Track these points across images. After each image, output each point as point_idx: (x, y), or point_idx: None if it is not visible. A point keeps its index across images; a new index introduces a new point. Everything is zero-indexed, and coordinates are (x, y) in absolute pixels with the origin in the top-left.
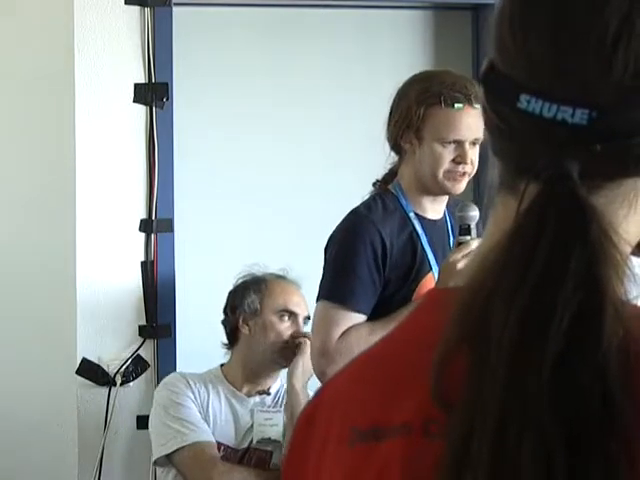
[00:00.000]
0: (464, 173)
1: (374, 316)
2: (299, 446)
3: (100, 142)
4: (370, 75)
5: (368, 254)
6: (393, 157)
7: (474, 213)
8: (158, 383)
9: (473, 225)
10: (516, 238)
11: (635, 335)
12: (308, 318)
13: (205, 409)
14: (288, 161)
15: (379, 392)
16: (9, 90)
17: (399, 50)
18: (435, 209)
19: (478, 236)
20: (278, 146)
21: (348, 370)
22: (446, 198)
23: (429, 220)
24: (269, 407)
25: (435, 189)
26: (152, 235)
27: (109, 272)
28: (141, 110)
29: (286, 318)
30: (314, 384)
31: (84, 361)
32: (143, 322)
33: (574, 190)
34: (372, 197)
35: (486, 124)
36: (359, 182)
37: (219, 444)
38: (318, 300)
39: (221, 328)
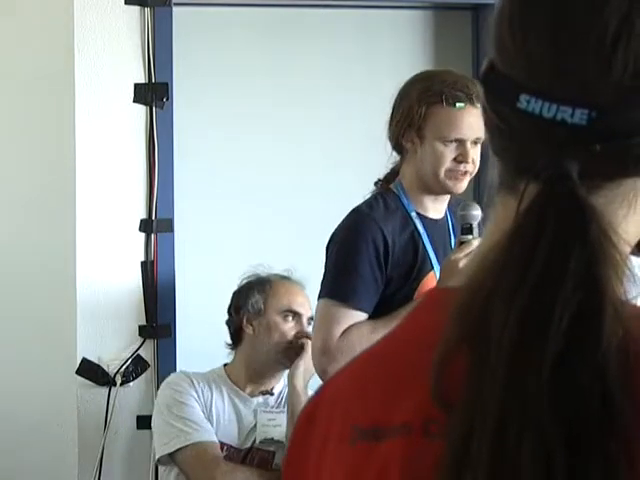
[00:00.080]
0: (465, 172)
1: (375, 314)
2: (299, 444)
3: (100, 142)
4: (370, 75)
5: (370, 252)
6: (395, 157)
7: (476, 212)
8: (158, 383)
9: (475, 224)
10: (516, 238)
11: (634, 335)
12: (312, 319)
13: (208, 408)
14: (288, 161)
15: (380, 391)
16: (9, 90)
17: (399, 50)
18: (436, 208)
19: (480, 235)
20: (278, 146)
21: (349, 368)
22: (447, 197)
23: (430, 219)
24: (272, 407)
25: (436, 188)
26: (152, 235)
27: (109, 272)
28: (141, 110)
29: (290, 318)
30: (315, 384)
31: (84, 361)
32: (143, 322)
33: (574, 190)
34: (374, 196)
35: (486, 124)
36: (359, 182)
37: (222, 444)
38: (320, 298)
39: (221, 328)
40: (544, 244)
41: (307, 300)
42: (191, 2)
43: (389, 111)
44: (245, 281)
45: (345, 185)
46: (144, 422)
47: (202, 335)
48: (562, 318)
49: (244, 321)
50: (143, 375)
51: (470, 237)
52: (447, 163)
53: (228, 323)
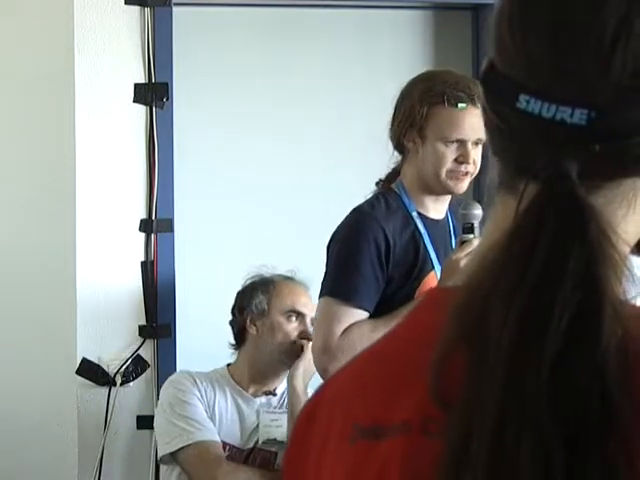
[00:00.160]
0: (466, 173)
1: (376, 314)
2: (299, 443)
3: (100, 142)
4: (370, 75)
5: (371, 251)
6: (396, 156)
7: (477, 212)
8: (158, 383)
9: (476, 224)
10: (515, 238)
11: (634, 335)
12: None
13: (211, 408)
14: (288, 161)
15: (381, 390)
16: (9, 90)
17: (399, 50)
18: (437, 209)
19: (481, 235)
20: (278, 146)
21: (350, 367)
22: (448, 198)
23: (431, 219)
24: (275, 408)
25: (437, 188)
26: (152, 235)
27: (109, 272)
28: (141, 110)
29: (293, 319)
30: (315, 383)
31: (84, 361)
32: (143, 322)
33: (573, 190)
34: (375, 196)
35: (486, 124)
36: (359, 182)
37: (224, 444)
38: (321, 297)
39: (222, 328)
40: (543, 244)
41: (311, 300)
42: (191, 2)
43: (390, 111)
44: (249, 282)
45: (345, 185)
46: (144, 422)
47: (202, 335)
48: (561, 318)
49: (248, 321)
50: (143, 375)
51: (471, 236)
52: (448, 163)
53: (232, 323)
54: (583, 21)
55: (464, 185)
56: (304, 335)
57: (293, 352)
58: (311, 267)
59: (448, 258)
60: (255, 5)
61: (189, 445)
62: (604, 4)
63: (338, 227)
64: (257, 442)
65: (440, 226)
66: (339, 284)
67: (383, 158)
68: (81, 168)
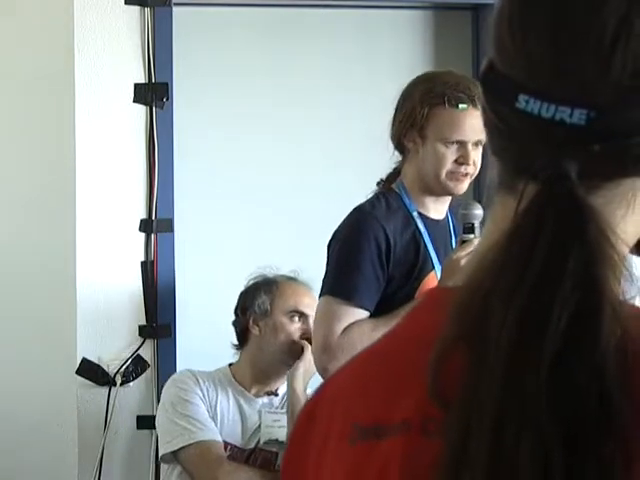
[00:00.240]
0: (466, 174)
1: (377, 313)
2: (299, 442)
3: (100, 142)
4: (370, 75)
5: (372, 250)
6: (397, 156)
7: (478, 212)
8: (158, 383)
9: (477, 224)
10: (514, 238)
11: (633, 334)
12: None
13: (213, 408)
14: (288, 161)
15: (381, 389)
16: (9, 90)
17: (399, 50)
18: (438, 209)
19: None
20: (278, 146)
21: (350, 367)
22: (449, 199)
23: (432, 220)
24: (277, 408)
25: (437, 189)
26: (152, 235)
27: (109, 272)
28: (141, 110)
29: (296, 319)
30: (316, 383)
31: (84, 361)
32: (143, 322)
33: (572, 190)
34: (376, 195)
35: (485, 124)
36: (359, 182)
37: (226, 443)
38: (321, 295)
39: (222, 328)
40: (543, 244)
41: (314, 301)
42: (191, 2)
43: (390, 111)
44: (252, 282)
45: (345, 185)
46: (144, 422)
47: (202, 335)
48: (560, 318)
49: (250, 322)
50: (143, 375)
51: (472, 236)
52: (448, 164)
53: (234, 324)
54: (583, 21)
55: (464, 186)
56: (305, 335)
57: (294, 352)
58: (311, 267)
59: (448, 258)
60: (255, 5)
61: (190, 444)
62: (604, 4)
63: (339, 226)
64: (258, 442)
65: (440, 226)
66: (340, 283)
67: (383, 158)
68: (81, 168)
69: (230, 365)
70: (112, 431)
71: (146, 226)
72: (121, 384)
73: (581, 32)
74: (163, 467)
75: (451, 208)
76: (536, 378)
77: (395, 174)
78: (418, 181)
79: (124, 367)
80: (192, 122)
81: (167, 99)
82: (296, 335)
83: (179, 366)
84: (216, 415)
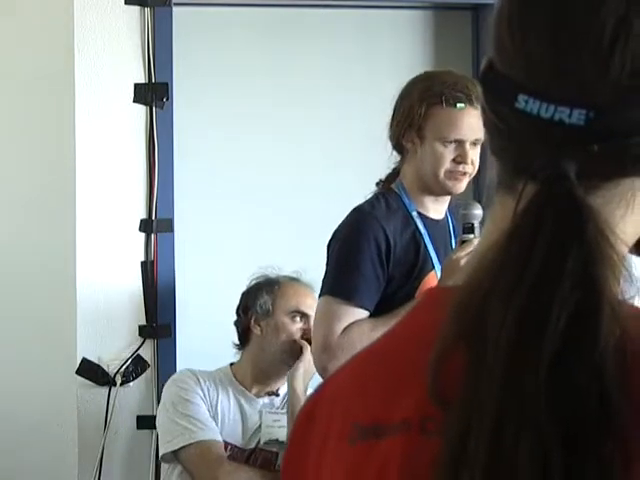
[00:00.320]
0: (465, 173)
1: (377, 313)
2: (299, 442)
3: (100, 142)
4: (370, 75)
5: (372, 250)
6: (396, 157)
7: (478, 212)
8: (158, 383)
9: (477, 224)
10: (514, 238)
11: (632, 334)
12: None
13: (214, 407)
14: (288, 161)
15: (380, 389)
16: (9, 90)
17: (399, 50)
18: (437, 209)
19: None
20: (278, 146)
21: (349, 366)
22: (448, 198)
23: (431, 219)
24: (277, 408)
25: (436, 188)
26: (152, 235)
27: (109, 272)
28: (141, 110)
29: (298, 319)
30: (316, 382)
31: (84, 361)
32: (143, 322)
33: (571, 190)
34: (375, 196)
35: (485, 124)
36: (359, 182)
37: (226, 443)
38: (321, 296)
39: (222, 328)
40: (542, 244)
41: (315, 301)
42: (191, 2)
43: (389, 111)
44: (254, 282)
45: (345, 185)
46: (144, 422)
47: (202, 335)
48: (559, 318)
49: (252, 322)
50: (143, 375)
51: (471, 236)
52: (446, 164)
53: (236, 324)
54: (582, 21)
55: (462, 185)
56: (305, 335)
57: (296, 352)
58: (312, 267)
59: (448, 258)
60: (255, 5)
61: (191, 444)
62: (603, 4)
63: (338, 227)
64: (259, 442)
65: (440, 226)
66: (339, 283)
67: (383, 158)
68: (81, 168)
69: (231, 365)
70: (112, 431)
71: (146, 226)
72: (121, 384)
73: (580, 32)
74: (163, 467)
75: (450, 208)
76: (535, 378)
77: (394, 174)
78: (417, 181)
79: (124, 367)
80: (192, 122)
81: (167, 99)
82: (297, 335)
83: (179, 366)
84: (217, 415)
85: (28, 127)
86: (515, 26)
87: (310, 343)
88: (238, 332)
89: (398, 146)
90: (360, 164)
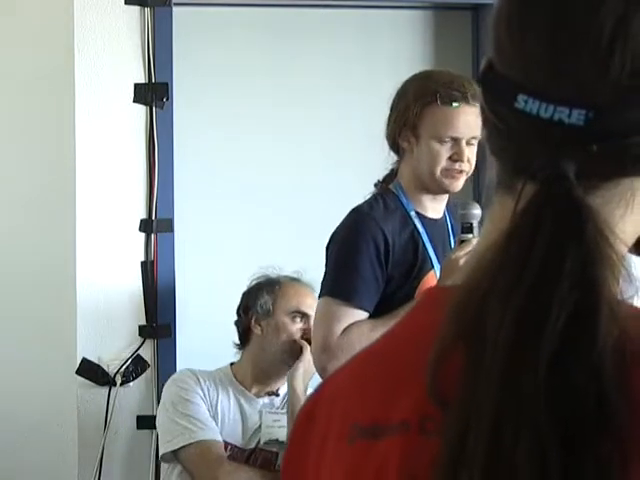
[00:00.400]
0: (461, 171)
1: (376, 313)
2: (299, 442)
3: (100, 142)
4: (370, 75)
5: (370, 251)
6: (393, 157)
7: (476, 211)
8: (158, 383)
9: (475, 223)
10: (513, 238)
11: (630, 335)
12: None
13: (214, 407)
14: (288, 161)
15: (379, 389)
16: (9, 90)
17: (399, 50)
18: (435, 208)
19: (480, 234)
20: (278, 146)
21: (348, 367)
22: (446, 197)
23: (430, 219)
24: (277, 408)
25: (433, 187)
26: (152, 235)
27: (109, 272)
28: (141, 110)
29: (298, 319)
30: (315, 383)
31: (84, 361)
32: (143, 322)
33: (570, 190)
34: (373, 196)
35: (484, 124)
36: (359, 182)
37: (226, 443)
38: (320, 297)
39: (222, 328)
40: (541, 244)
41: (316, 302)
42: (191, 2)
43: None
44: (255, 282)
45: (345, 185)
46: (144, 422)
47: (202, 335)
48: (558, 318)
49: (252, 321)
50: (143, 375)
51: (470, 236)
52: (443, 162)
53: (237, 323)
54: (581, 21)
55: (459, 183)
56: (305, 335)
57: (296, 352)
58: (312, 267)
59: (447, 257)
60: (255, 5)
61: (191, 444)
62: (602, 5)
63: (337, 228)
64: (259, 442)
65: (438, 225)
66: (339, 284)
67: (383, 158)
68: (81, 168)
69: (231, 365)
70: (112, 431)
71: (146, 226)
72: (121, 384)
73: (579, 32)
74: (163, 466)
75: (449, 207)
76: (534, 378)
77: (392, 175)
78: (414, 180)
79: (124, 367)
80: (192, 122)
81: (167, 99)
82: (297, 335)
83: (179, 366)
84: (217, 415)
85: (28, 127)
86: (514, 26)
87: (310, 343)
88: (238, 332)
89: (395, 146)
90: (360, 164)
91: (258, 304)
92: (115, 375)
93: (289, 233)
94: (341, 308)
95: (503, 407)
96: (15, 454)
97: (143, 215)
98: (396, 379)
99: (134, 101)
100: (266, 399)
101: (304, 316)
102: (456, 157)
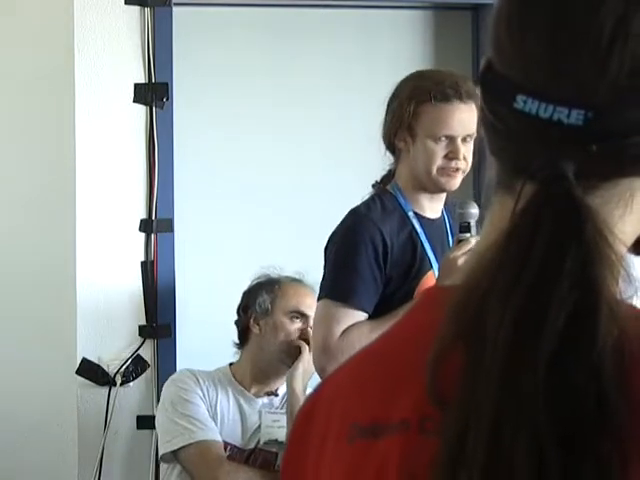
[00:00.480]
0: (457, 169)
1: (375, 314)
2: (298, 442)
3: (100, 142)
4: (370, 75)
5: (369, 252)
6: (390, 159)
7: (474, 210)
8: (158, 383)
9: (473, 222)
10: (512, 238)
11: (630, 335)
12: None
13: (213, 407)
14: (288, 161)
15: (378, 389)
16: (9, 90)
17: (399, 50)
18: (433, 208)
19: (478, 234)
20: (278, 146)
21: (348, 366)
22: (444, 197)
23: (428, 219)
24: (277, 408)
25: (430, 186)
26: (152, 235)
27: (109, 272)
28: (141, 110)
29: (297, 319)
30: (314, 384)
31: (84, 361)
32: (143, 322)
33: (570, 190)
34: (371, 197)
35: (484, 124)
36: (359, 182)
37: (226, 443)
38: (319, 299)
39: (221, 328)
40: (540, 244)
41: (315, 302)
42: (191, 2)
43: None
44: (255, 282)
45: (345, 185)
46: (144, 422)
47: (202, 335)
48: (557, 318)
49: (251, 320)
50: (143, 375)
51: (468, 235)
52: (438, 160)
53: (237, 323)
54: (581, 21)
55: (456, 182)
56: (303, 335)
57: (293, 352)
58: (312, 267)
59: (445, 257)
60: (255, 5)
61: (190, 444)
62: (602, 5)
63: (335, 230)
64: (258, 442)
65: (436, 225)
66: (338, 286)
67: (383, 158)
68: (81, 168)
69: (230, 365)
70: (112, 431)
71: (146, 226)
72: (121, 384)
73: (579, 32)
74: (163, 467)
75: (447, 206)
76: (533, 378)
77: (389, 176)
78: (411, 180)
79: (124, 367)
80: (192, 122)
81: (167, 99)
82: (295, 335)
83: (179, 366)
84: (216, 415)
85: (28, 127)
86: (514, 26)
87: (308, 343)
88: (238, 331)
89: (391, 146)
90: (360, 164)
91: (257, 303)
92: (115, 375)
93: (289, 233)
94: (340, 310)
95: (502, 407)
96: (15, 454)
97: (143, 215)
98: (395, 379)
99: (134, 101)
100: (265, 399)
101: (303, 316)
102: (452, 155)
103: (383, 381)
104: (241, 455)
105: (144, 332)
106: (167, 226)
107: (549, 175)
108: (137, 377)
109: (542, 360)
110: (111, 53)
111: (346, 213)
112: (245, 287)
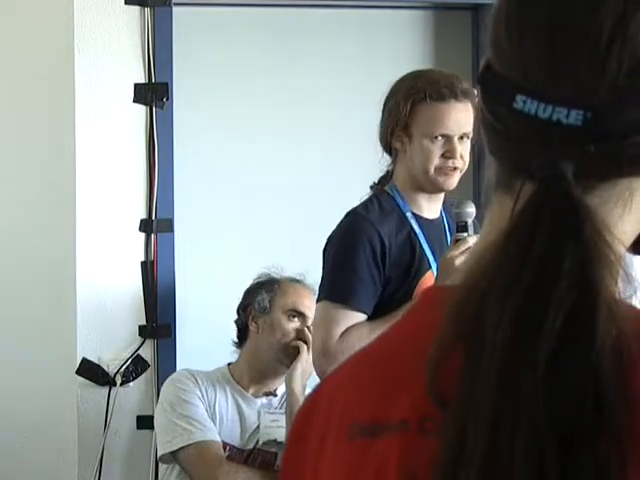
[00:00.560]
0: (454, 168)
1: (374, 315)
2: (297, 442)
3: (100, 142)
4: (370, 75)
5: (367, 253)
6: (388, 160)
7: (471, 210)
8: (158, 383)
9: (470, 222)
10: (511, 238)
11: (628, 335)
12: None
13: (212, 408)
14: (288, 161)
15: (377, 390)
16: (9, 90)
17: (399, 50)
18: (431, 208)
19: (475, 233)
20: (278, 146)
21: (346, 367)
22: (442, 197)
23: (426, 219)
24: (276, 409)
25: (428, 185)
26: (152, 235)
27: (109, 272)
28: (141, 110)
29: (295, 319)
30: (313, 384)
31: (84, 361)
32: (143, 322)
33: (568, 190)
34: (369, 198)
35: (483, 124)
36: (359, 182)
37: (225, 444)
38: (319, 301)
39: (221, 328)
40: (539, 244)
41: (314, 303)
42: (191, 2)
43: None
44: (256, 281)
45: (345, 185)
46: (144, 422)
47: (202, 335)
48: (556, 318)
49: (250, 319)
50: (143, 375)
51: (465, 234)
52: (435, 159)
53: (236, 322)
54: (580, 22)
55: (454, 181)
56: (300, 336)
57: (290, 351)
58: (312, 267)
59: (443, 257)
60: (255, 5)
61: (190, 445)
62: (601, 5)
63: (333, 231)
64: (257, 443)
65: (435, 225)
66: (337, 288)
67: (383, 158)
68: (81, 168)
69: (229, 365)
70: (112, 431)
71: (146, 226)
72: (121, 384)
73: (578, 33)
74: (162, 467)
75: (445, 206)
76: (532, 378)
77: (387, 177)
78: (409, 180)
79: (124, 367)
80: (192, 122)
81: (167, 99)
82: (293, 335)
83: (179, 366)
84: (215, 415)
85: (28, 127)
86: (513, 27)
87: (306, 343)
88: (237, 330)
89: (388, 147)
90: (360, 164)
91: (256, 301)
92: (115, 375)
93: (289, 233)
94: (339, 311)
95: (501, 407)
96: (15, 454)
97: (143, 215)
98: (395, 379)
99: (134, 101)
100: (264, 399)
101: (301, 315)
102: (448, 154)
103: (382, 381)
104: (240, 455)
105: (144, 332)
106: (167, 226)
107: (548, 175)
108: (137, 377)
109: (541, 360)
110: (111, 53)
111: (344, 215)
112: (245, 287)
